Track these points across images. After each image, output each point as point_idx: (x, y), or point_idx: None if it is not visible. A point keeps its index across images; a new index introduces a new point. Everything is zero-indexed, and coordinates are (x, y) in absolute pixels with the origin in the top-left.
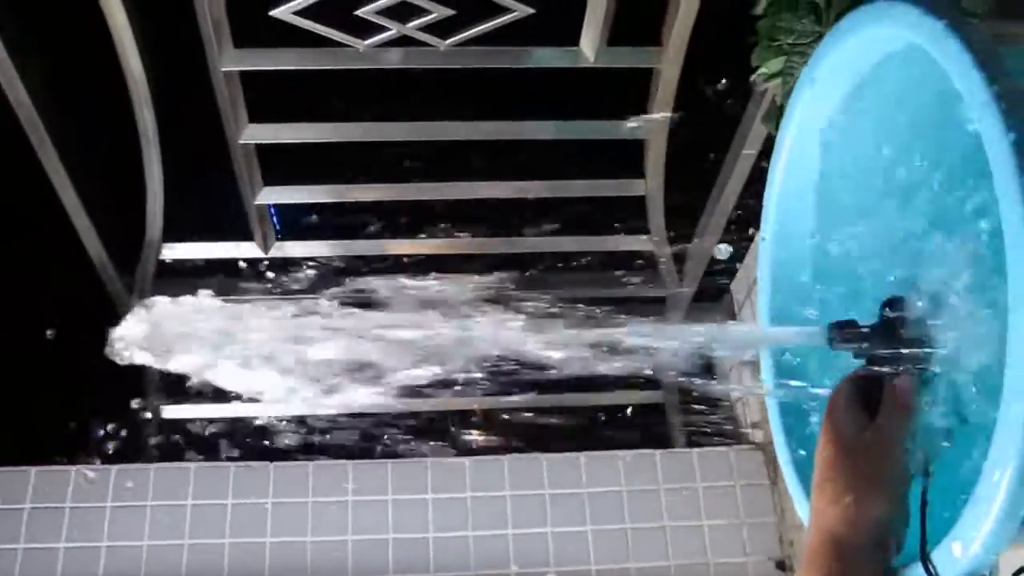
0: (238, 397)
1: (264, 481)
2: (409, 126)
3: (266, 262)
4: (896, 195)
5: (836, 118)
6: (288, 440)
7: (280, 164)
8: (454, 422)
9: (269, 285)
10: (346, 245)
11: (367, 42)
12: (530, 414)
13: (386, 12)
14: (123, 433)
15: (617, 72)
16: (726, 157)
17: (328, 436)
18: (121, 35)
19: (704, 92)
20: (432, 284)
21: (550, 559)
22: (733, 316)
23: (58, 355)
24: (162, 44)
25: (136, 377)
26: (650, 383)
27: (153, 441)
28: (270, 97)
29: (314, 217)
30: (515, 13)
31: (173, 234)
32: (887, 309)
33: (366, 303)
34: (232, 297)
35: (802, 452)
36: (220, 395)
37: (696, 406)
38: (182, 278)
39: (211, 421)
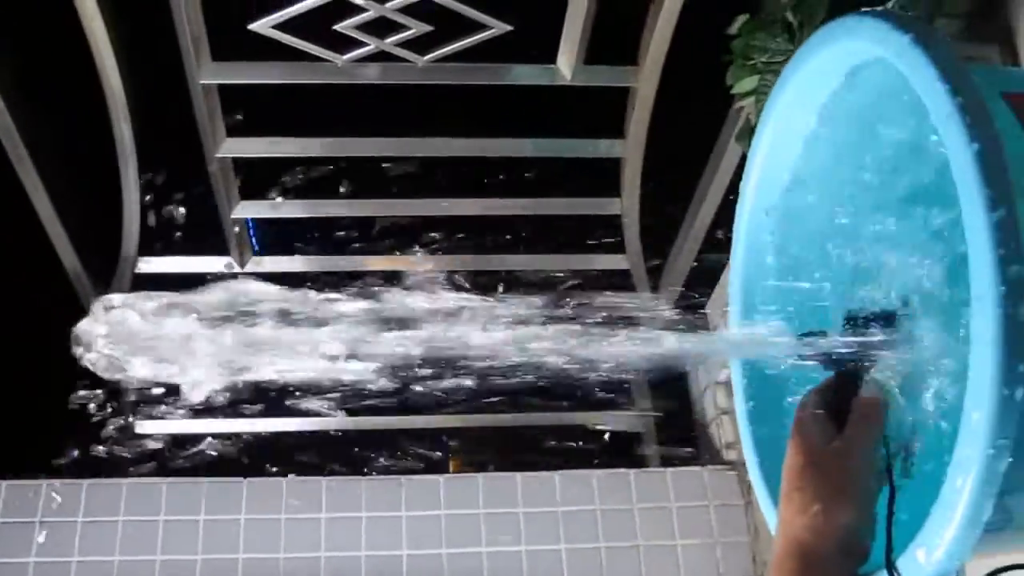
0: (210, 412)
1: (237, 497)
2: (386, 142)
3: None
4: (866, 208)
5: (808, 133)
6: (262, 456)
7: (257, 178)
8: (430, 440)
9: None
10: (322, 261)
11: (346, 57)
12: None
13: (365, 27)
14: (95, 447)
15: (594, 90)
16: (702, 175)
17: (304, 453)
18: (100, 48)
19: (680, 110)
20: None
21: None
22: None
23: (31, 369)
24: (141, 57)
25: (111, 392)
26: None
27: (126, 455)
28: (248, 111)
29: (291, 232)
30: (493, 30)
31: (149, 248)
32: (855, 321)
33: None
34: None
35: (771, 463)
36: (193, 410)
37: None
38: (158, 292)
39: (185, 436)
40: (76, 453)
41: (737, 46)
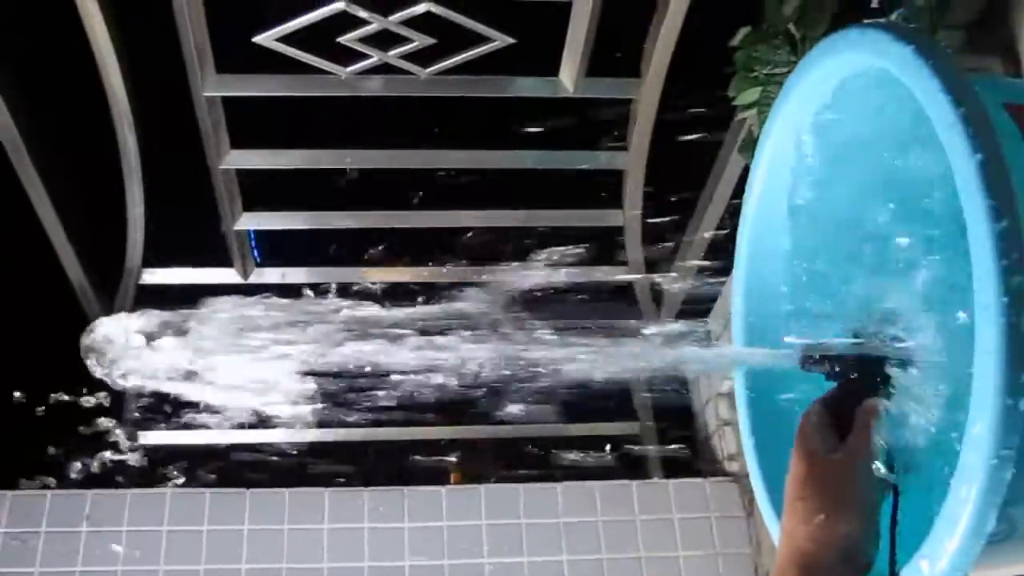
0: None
1: (240, 507)
2: (389, 154)
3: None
4: (868, 220)
5: (810, 145)
6: (265, 467)
7: (260, 190)
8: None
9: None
10: (325, 272)
11: (349, 69)
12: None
13: (368, 40)
14: (100, 458)
15: (596, 102)
16: (704, 187)
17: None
18: (105, 60)
19: (682, 122)
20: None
21: None
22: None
23: (36, 379)
24: (145, 69)
25: (115, 402)
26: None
27: (130, 466)
28: (252, 123)
29: (293, 243)
30: (496, 43)
31: (153, 259)
32: (857, 331)
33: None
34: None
35: (773, 473)
36: (197, 422)
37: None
38: (161, 304)
39: (187, 448)
40: (79, 464)
41: (739, 58)
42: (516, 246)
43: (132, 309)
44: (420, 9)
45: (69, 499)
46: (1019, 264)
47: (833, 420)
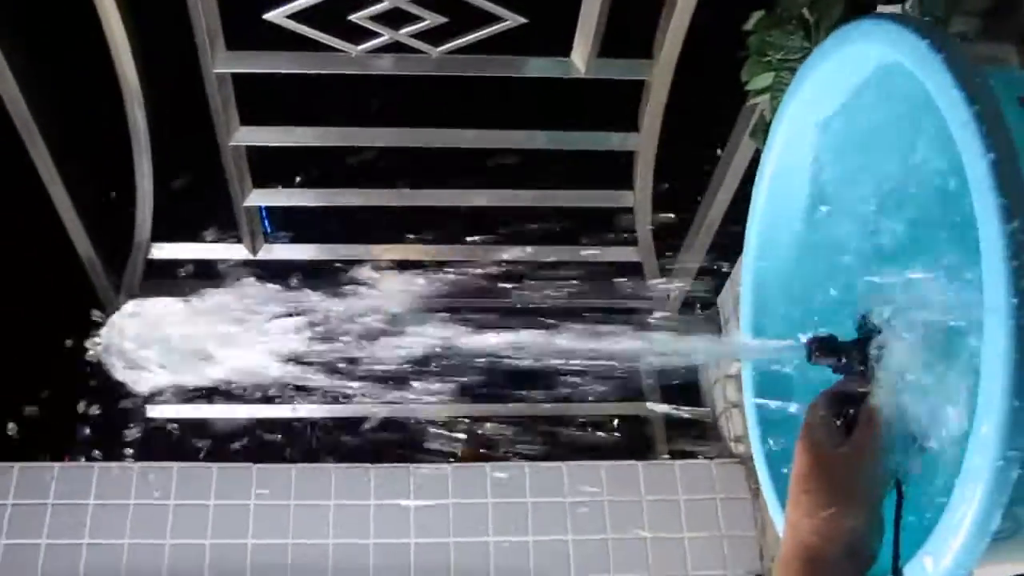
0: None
1: (246, 482)
2: (399, 132)
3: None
4: (879, 211)
5: (822, 134)
6: (272, 441)
7: (270, 167)
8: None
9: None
10: (334, 249)
11: (360, 47)
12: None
13: (379, 18)
14: (108, 431)
15: (608, 83)
16: (715, 169)
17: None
18: (115, 36)
19: (694, 105)
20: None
21: (531, 568)
22: (719, 328)
23: (44, 353)
24: (156, 46)
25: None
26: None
27: (137, 440)
28: (262, 100)
29: (303, 220)
30: (507, 22)
31: (162, 234)
32: (864, 324)
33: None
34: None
35: (780, 466)
36: (205, 396)
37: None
38: (170, 278)
39: (195, 421)
40: (86, 437)
41: (753, 42)
42: (528, 225)
43: (141, 284)
44: None
45: (76, 472)
46: None
47: (839, 413)
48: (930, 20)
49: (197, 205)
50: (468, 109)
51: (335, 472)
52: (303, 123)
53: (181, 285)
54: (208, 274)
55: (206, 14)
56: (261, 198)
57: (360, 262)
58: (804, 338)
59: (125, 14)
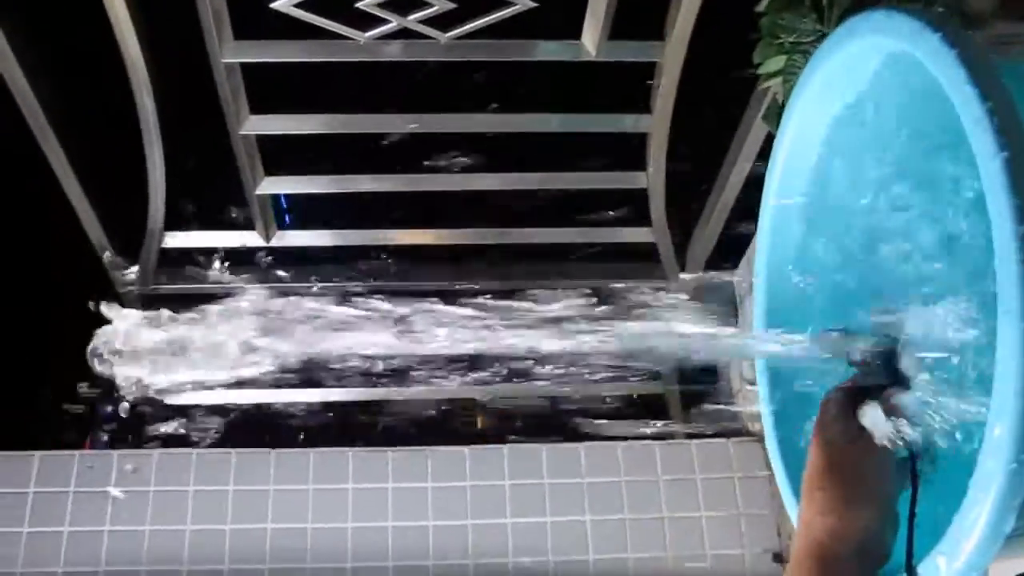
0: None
1: (265, 468)
2: (410, 118)
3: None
4: (893, 201)
5: (834, 126)
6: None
7: (282, 154)
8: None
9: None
10: (347, 235)
11: (368, 34)
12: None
13: (387, 5)
14: (121, 418)
15: (619, 66)
16: (729, 149)
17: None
18: (122, 27)
19: (707, 86)
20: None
21: (548, 548)
22: (735, 308)
23: (58, 343)
24: (163, 36)
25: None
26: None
27: (152, 428)
28: (272, 88)
29: (317, 207)
30: (516, 6)
31: (175, 223)
32: (880, 316)
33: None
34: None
35: (795, 459)
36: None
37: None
38: (184, 266)
39: (211, 408)
40: (101, 425)
41: (765, 24)
42: (541, 209)
43: (155, 271)
44: None
45: (96, 460)
46: None
47: (854, 407)
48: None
49: (210, 193)
50: (479, 95)
51: (353, 456)
52: (315, 110)
53: (195, 273)
54: (223, 261)
55: (213, 4)
56: (273, 186)
57: (375, 248)
58: (818, 332)
59: (132, 5)
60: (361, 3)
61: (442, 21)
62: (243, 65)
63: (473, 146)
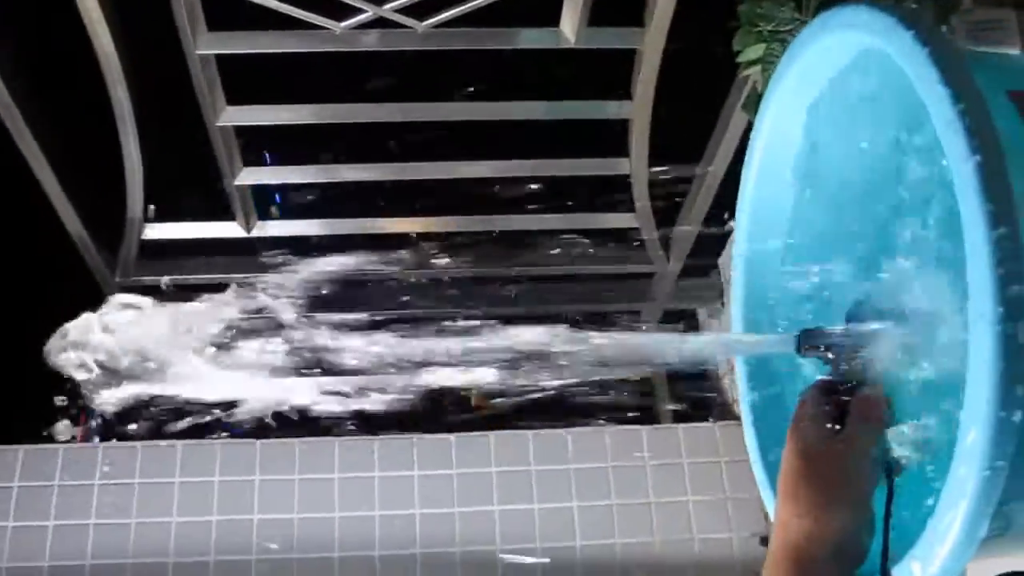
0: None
1: (251, 458)
2: (390, 107)
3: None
4: (871, 197)
5: (811, 120)
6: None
7: (261, 145)
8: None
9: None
10: (329, 224)
11: (343, 24)
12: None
13: None
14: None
15: (600, 53)
16: (712, 134)
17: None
18: (93, 20)
19: (688, 72)
20: None
21: (536, 535)
22: (721, 293)
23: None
24: (136, 28)
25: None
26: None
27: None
28: (248, 79)
29: (300, 198)
30: None
31: (155, 215)
32: (855, 315)
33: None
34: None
35: (774, 452)
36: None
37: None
38: (164, 258)
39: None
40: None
41: (744, 12)
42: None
43: (136, 263)
44: None
45: (81, 453)
46: (1017, 273)
47: (830, 406)
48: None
49: (189, 184)
50: (458, 84)
51: (339, 445)
52: (296, 101)
53: (176, 264)
54: (203, 252)
55: None
56: (252, 176)
57: (356, 236)
58: (794, 331)
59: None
60: None
61: (419, 10)
62: (218, 56)
63: (454, 135)
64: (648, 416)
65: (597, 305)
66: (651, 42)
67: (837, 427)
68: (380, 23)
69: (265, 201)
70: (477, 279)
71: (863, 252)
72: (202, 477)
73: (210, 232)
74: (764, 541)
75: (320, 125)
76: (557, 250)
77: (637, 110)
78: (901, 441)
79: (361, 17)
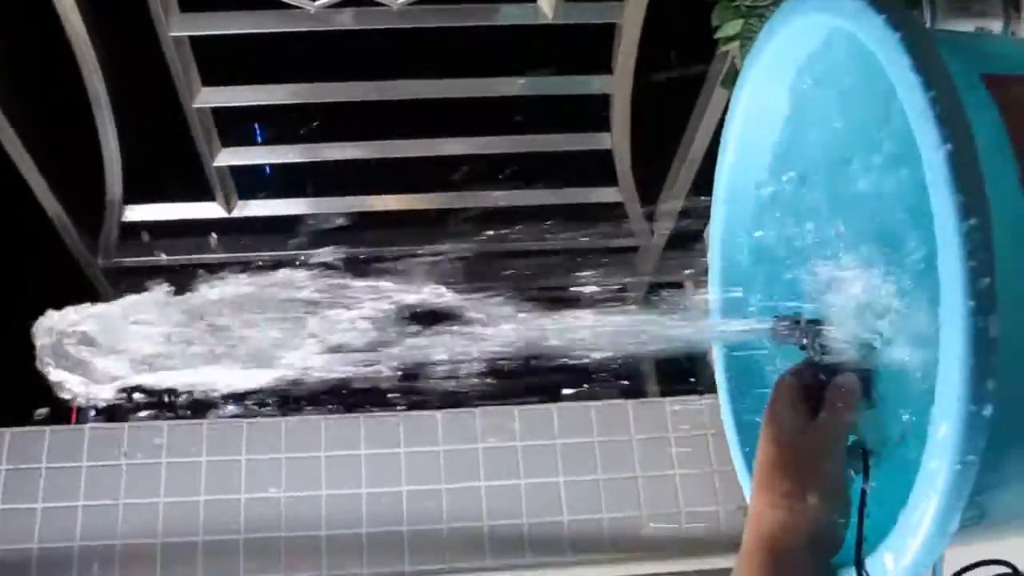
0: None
1: (237, 438)
2: (365, 85)
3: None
4: (849, 178)
5: (788, 98)
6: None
7: (239, 125)
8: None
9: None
10: (311, 203)
11: (318, 3)
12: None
13: None
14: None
15: (579, 28)
16: (694, 108)
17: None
18: (64, 4)
19: (668, 46)
20: None
21: (523, 511)
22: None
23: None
24: (108, 11)
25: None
26: None
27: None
28: (223, 60)
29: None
30: None
31: (134, 196)
32: (829, 301)
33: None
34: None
35: (750, 434)
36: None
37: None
38: (145, 240)
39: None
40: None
41: None
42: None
43: (117, 245)
44: None
45: (67, 435)
46: (987, 265)
47: (805, 392)
48: None
49: (168, 166)
50: (439, 62)
51: (325, 424)
52: (273, 80)
53: (157, 246)
54: (184, 234)
55: None
56: (230, 157)
57: (338, 215)
58: (769, 317)
59: None
60: None
61: None
62: (192, 38)
63: (433, 113)
64: (634, 390)
65: (580, 280)
66: (630, 16)
67: (812, 416)
68: (355, 1)
69: (249, 181)
70: (459, 257)
71: (840, 234)
72: (189, 457)
73: (191, 213)
74: None
75: (297, 105)
76: (541, 226)
77: (618, 84)
78: (877, 429)
79: None
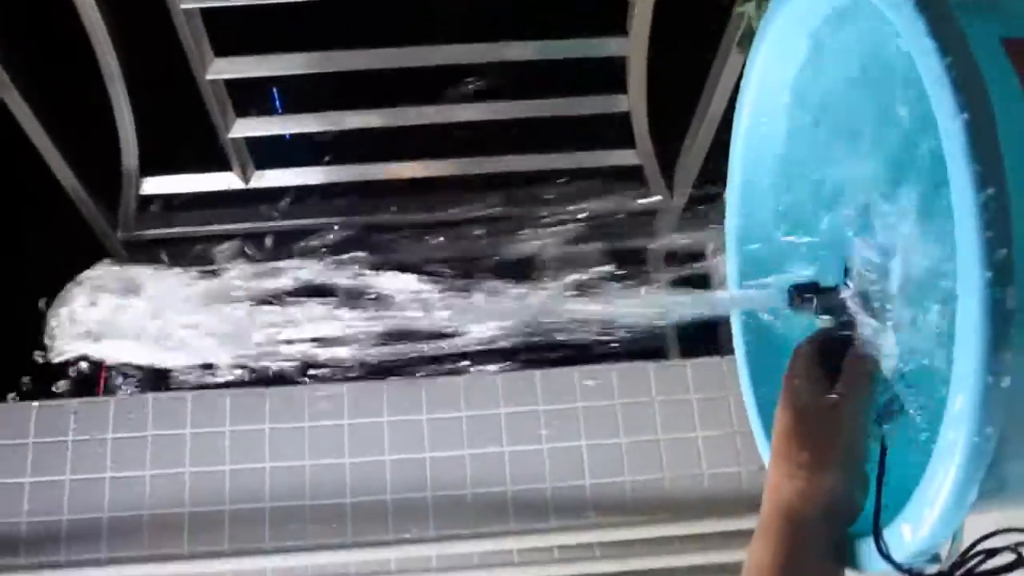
0: None
1: (260, 407)
2: (380, 53)
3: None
4: (869, 145)
5: (800, 74)
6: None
7: (254, 95)
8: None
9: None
10: (328, 172)
11: None
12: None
13: None
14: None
15: None
16: (711, 67)
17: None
18: None
19: (684, 5)
20: None
21: (546, 475)
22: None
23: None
24: None
25: None
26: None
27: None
28: (235, 30)
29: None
30: None
31: (151, 169)
32: (850, 266)
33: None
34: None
35: (768, 403)
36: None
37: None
38: (164, 212)
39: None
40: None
41: None
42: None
43: (136, 217)
44: None
45: (93, 407)
46: (1005, 236)
47: (824, 360)
48: None
49: (184, 137)
50: (451, 28)
51: (348, 391)
52: (285, 49)
53: (176, 217)
54: (204, 205)
55: None
56: (245, 128)
57: (355, 184)
58: (787, 283)
59: None
60: None
61: None
62: (203, 9)
63: (449, 79)
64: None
65: (599, 243)
66: None
67: (830, 385)
68: None
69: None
70: (473, 220)
71: (859, 201)
72: (213, 428)
73: (208, 184)
74: None
75: (311, 74)
76: (556, 192)
77: (634, 46)
78: (896, 398)
79: None
